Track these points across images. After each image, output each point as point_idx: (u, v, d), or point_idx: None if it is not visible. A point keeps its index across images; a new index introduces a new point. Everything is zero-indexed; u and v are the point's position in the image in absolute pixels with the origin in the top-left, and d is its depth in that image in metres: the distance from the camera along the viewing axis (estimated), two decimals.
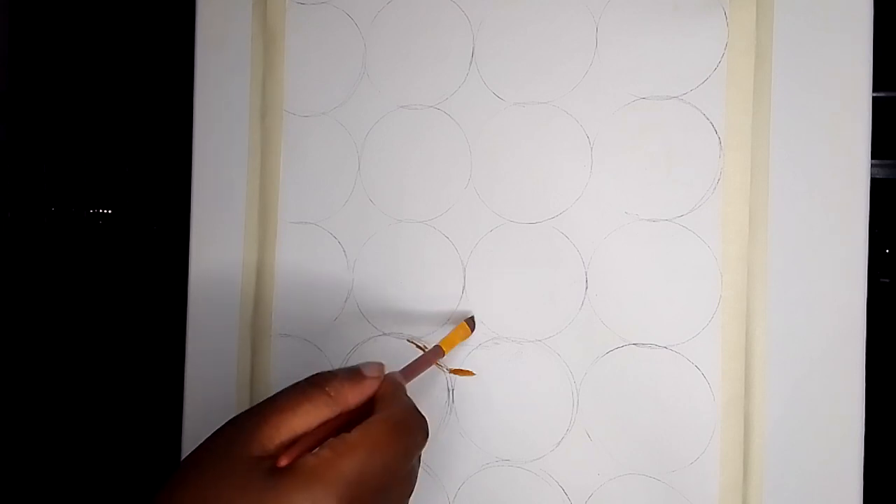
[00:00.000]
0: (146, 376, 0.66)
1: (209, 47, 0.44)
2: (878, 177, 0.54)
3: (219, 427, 0.25)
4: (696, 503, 0.34)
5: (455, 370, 0.38)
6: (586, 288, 0.36)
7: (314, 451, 0.23)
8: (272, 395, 0.26)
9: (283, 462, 0.23)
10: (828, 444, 0.33)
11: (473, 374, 0.37)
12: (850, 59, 0.33)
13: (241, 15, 0.43)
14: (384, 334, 0.40)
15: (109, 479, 0.67)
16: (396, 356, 0.39)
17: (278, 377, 0.42)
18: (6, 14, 0.68)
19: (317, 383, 0.26)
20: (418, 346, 0.39)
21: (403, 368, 0.30)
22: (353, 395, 0.26)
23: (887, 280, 0.53)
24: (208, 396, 0.43)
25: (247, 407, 0.42)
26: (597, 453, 0.36)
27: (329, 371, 0.27)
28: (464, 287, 0.38)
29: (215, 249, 0.43)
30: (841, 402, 0.33)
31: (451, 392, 0.38)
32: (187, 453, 0.24)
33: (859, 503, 0.32)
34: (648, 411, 0.35)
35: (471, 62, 0.39)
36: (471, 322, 0.37)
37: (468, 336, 0.37)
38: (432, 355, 0.34)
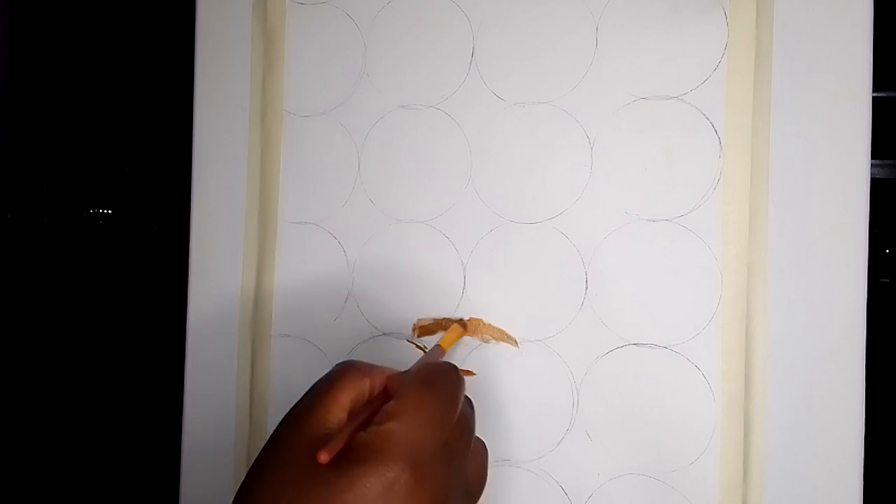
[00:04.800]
0: (146, 377, 0.66)
1: (209, 47, 0.44)
2: (878, 177, 0.54)
3: (277, 426, 0.25)
4: (696, 503, 0.34)
5: None
6: (586, 288, 0.36)
7: (363, 431, 0.24)
8: (308, 389, 0.26)
9: (333, 451, 0.23)
10: (828, 443, 0.33)
11: (474, 373, 0.37)
12: (850, 59, 0.33)
13: (241, 15, 0.43)
14: (384, 334, 0.40)
15: (109, 480, 0.67)
16: (396, 356, 0.39)
17: (278, 377, 0.42)
18: (6, 14, 0.68)
19: (342, 363, 0.27)
20: (418, 347, 0.39)
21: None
22: (376, 369, 0.27)
23: (887, 280, 0.53)
24: (208, 396, 0.43)
25: (247, 407, 0.42)
26: (597, 453, 0.36)
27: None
28: (464, 287, 0.38)
29: (215, 249, 0.43)
30: (841, 402, 0.33)
31: None
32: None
33: (859, 503, 0.32)
34: (648, 411, 0.35)
35: (471, 62, 0.39)
36: (462, 323, 0.37)
37: (462, 335, 0.37)
38: (433, 355, 0.33)
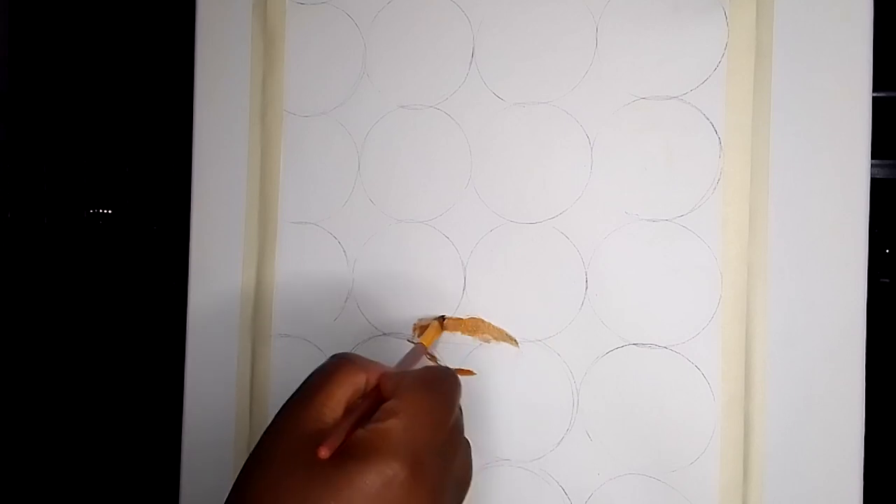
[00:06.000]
0: (146, 376, 0.66)
1: (209, 47, 0.44)
2: (878, 177, 0.54)
3: (274, 418, 0.25)
4: (696, 503, 0.34)
5: (455, 370, 0.38)
6: (586, 288, 0.36)
7: (362, 428, 0.24)
8: (304, 382, 0.27)
9: (333, 447, 0.23)
10: (828, 443, 0.33)
11: (474, 373, 0.37)
12: (850, 59, 0.33)
13: (241, 15, 0.43)
14: (384, 334, 0.40)
15: (109, 480, 0.67)
16: (396, 356, 0.39)
17: (278, 377, 0.42)
18: (6, 14, 0.68)
19: (338, 356, 0.27)
20: None
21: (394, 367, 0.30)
22: (370, 364, 0.27)
23: (887, 280, 0.53)
24: (208, 396, 0.43)
25: (246, 407, 0.42)
26: (597, 453, 0.36)
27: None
28: (464, 287, 0.38)
29: (215, 249, 0.43)
30: (841, 402, 0.33)
31: None
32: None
33: (859, 503, 0.32)
34: (648, 411, 0.35)
35: (471, 62, 0.39)
36: (441, 321, 0.38)
37: (440, 332, 0.37)
38: (415, 354, 0.34)
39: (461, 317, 0.38)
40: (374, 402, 0.26)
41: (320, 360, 0.27)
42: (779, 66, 0.34)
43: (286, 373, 0.42)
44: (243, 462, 0.25)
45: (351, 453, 0.23)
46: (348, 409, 0.25)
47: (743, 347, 0.34)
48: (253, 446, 0.41)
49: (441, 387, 0.26)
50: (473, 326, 0.38)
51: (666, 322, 0.35)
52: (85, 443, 0.67)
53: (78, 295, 0.68)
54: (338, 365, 0.27)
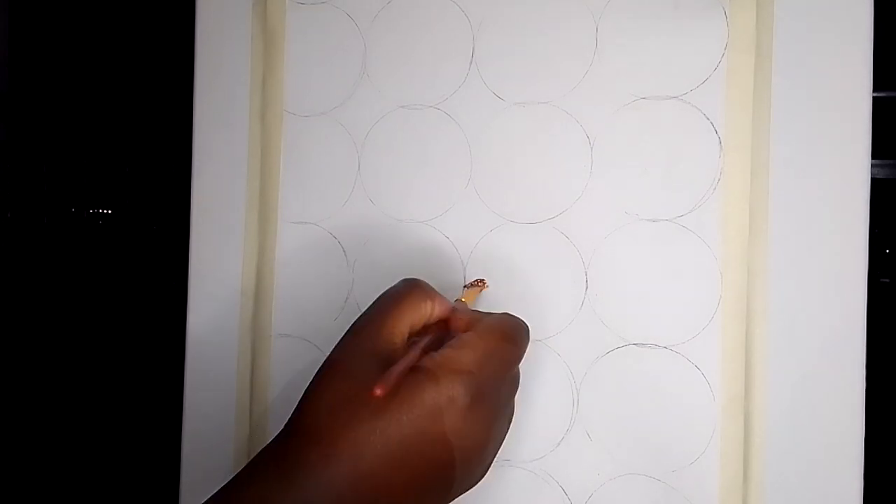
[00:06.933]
0: (146, 376, 0.66)
1: (209, 47, 0.44)
2: (878, 177, 0.54)
3: (344, 335, 0.27)
4: (696, 503, 0.34)
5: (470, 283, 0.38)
6: (586, 288, 0.36)
7: (434, 352, 0.26)
8: (374, 301, 0.28)
9: (388, 387, 0.24)
10: (828, 443, 0.33)
11: (487, 285, 0.37)
12: (850, 59, 0.33)
13: (241, 15, 0.43)
14: None
15: (110, 479, 0.67)
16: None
17: (278, 377, 0.42)
18: (6, 14, 0.68)
19: (409, 280, 0.29)
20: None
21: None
22: (437, 295, 0.29)
23: (887, 280, 0.53)
24: (208, 396, 0.43)
25: (247, 407, 0.42)
26: (597, 453, 0.36)
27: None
28: (464, 287, 0.38)
29: (215, 249, 0.43)
30: (841, 402, 0.33)
31: None
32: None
33: (859, 503, 0.32)
34: (648, 411, 0.35)
35: (471, 62, 0.39)
36: (481, 282, 0.38)
37: (480, 291, 0.37)
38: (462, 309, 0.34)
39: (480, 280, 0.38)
40: (440, 332, 0.27)
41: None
42: (779, 66, 0.34)
43: (286, 373, 0.42)
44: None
45: (421, 370, 0.24)
46: (412, 333, 0.27)
47: (743, 347, 0.34)
48: (253, 446, 0.41)
49: (517, 339, 0.28)
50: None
51: (666, 322, 0.35)
52: (85, 442, 0.67)
53: (78, 295, 0.68)
54: (409, 289, 0.28)
